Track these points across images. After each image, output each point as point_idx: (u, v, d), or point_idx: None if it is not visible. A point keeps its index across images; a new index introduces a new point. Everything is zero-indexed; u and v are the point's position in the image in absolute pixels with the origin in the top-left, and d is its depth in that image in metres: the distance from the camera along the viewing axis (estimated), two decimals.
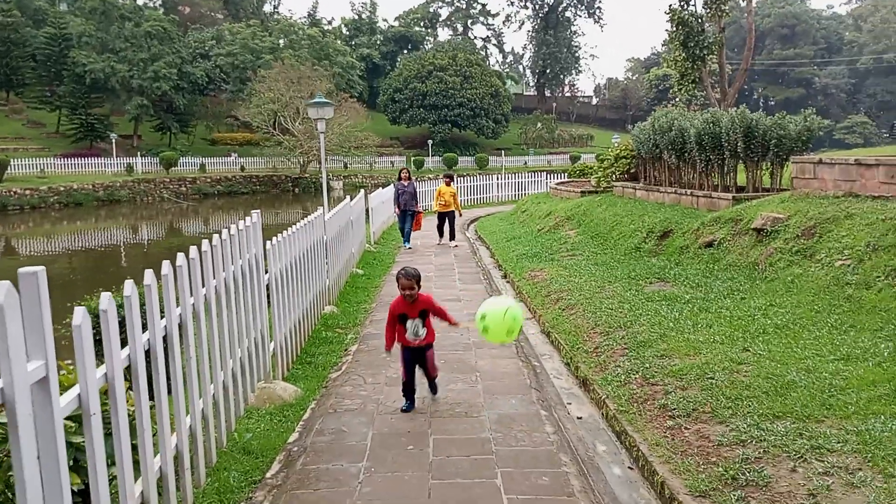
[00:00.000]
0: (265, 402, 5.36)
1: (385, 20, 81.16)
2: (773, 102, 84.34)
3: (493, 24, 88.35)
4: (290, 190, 48.91)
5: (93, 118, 49.71)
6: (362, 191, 16.03)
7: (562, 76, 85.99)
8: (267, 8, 78.48)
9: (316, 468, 4.29)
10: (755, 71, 77.41)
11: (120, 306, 3.41)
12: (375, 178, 46.97)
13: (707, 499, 3.62)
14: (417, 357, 5.33)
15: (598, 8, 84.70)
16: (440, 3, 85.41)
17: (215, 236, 4.44)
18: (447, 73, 60.48)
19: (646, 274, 9.21)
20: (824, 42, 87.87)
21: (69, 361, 3.03)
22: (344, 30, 76.57)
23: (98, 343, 2.86)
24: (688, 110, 17.45)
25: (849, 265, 6.94)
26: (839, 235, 7.55)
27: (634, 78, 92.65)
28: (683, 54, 21.88)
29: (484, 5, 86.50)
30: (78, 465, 2.88)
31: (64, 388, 2.66)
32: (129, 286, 3.07)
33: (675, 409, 4.70)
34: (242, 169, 50.09)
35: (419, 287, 5.22)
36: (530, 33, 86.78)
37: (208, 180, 46.18)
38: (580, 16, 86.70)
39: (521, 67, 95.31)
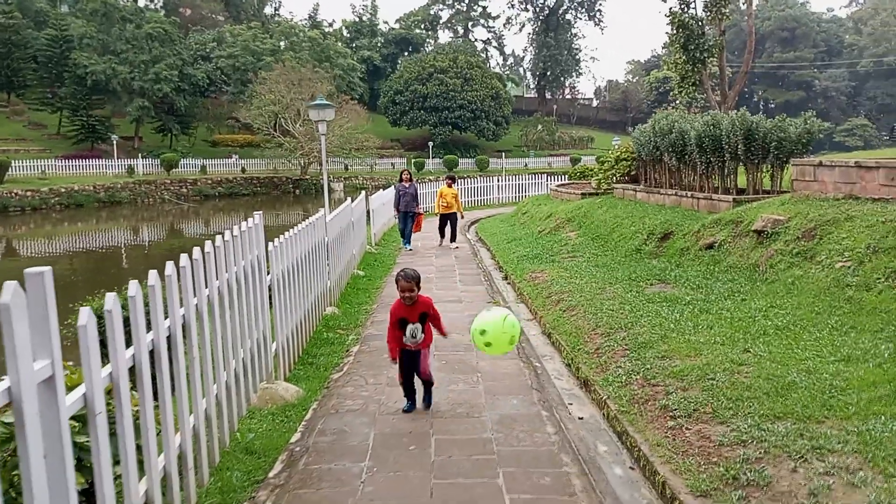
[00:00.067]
0: (267, 402, 5.37)
1: (386, 22, 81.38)
2: (773, 105, 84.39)
3: (493, 27, 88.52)
4: (290, 191, 48.97)
5: (94, 120, 49.79)
6: (363, 192, 16.06)
7: (562, 78, 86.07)
8: (268, 10, 78.59)
9: (318, 468, 4.31)
10: (755, 74, 77.46)
11: (123, 307, 3.43)
12: (376, 180, 47.01)
13: (708, 498, 3.63)
14: (412, 359, 5.23)
15: (599, 10, 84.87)
16: (441, 6, 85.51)
17: (218, 237, 4.46)
18: (448, 75, 60.58)
19: (646, 275, 9.23)
20: (824, 45, 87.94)
21: (70, 362, 3.05)
22: (345, 32, 76.66)
23: (102, 344, 2.88)
24: (688, 113, 17.48)
25: (849, 267, 6.95)
26: (839, 237, 7.57)
27: (635, 80, 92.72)
28: (684, 57, 21.93)
29: (484, 8, 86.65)
30: (81, 465, 2.90)
31: (67, 388, 2.68)
32: (133, 287, 3.09)
33: (676, 409, 4.71)
34: (243, 170, 50.15)
35: (419, 289, 5.16)
36: (531, 36, 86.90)
37: (209, 182, 46.23)
38: (580, 18, 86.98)
39: (521, 70, 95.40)
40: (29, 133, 51.08)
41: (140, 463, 3.11)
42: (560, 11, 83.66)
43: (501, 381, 5.98)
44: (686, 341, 6.05)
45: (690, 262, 9.62)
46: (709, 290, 7.93)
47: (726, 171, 12.25)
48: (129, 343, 3.08)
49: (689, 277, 8.75)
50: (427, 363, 5.30)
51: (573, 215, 15.39)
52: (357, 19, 78.49)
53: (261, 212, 5.72)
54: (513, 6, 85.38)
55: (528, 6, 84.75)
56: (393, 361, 5.25)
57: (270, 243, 5.93)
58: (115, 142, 46.86)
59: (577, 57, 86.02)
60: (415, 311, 5.15)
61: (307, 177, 49.03)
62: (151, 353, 3.32)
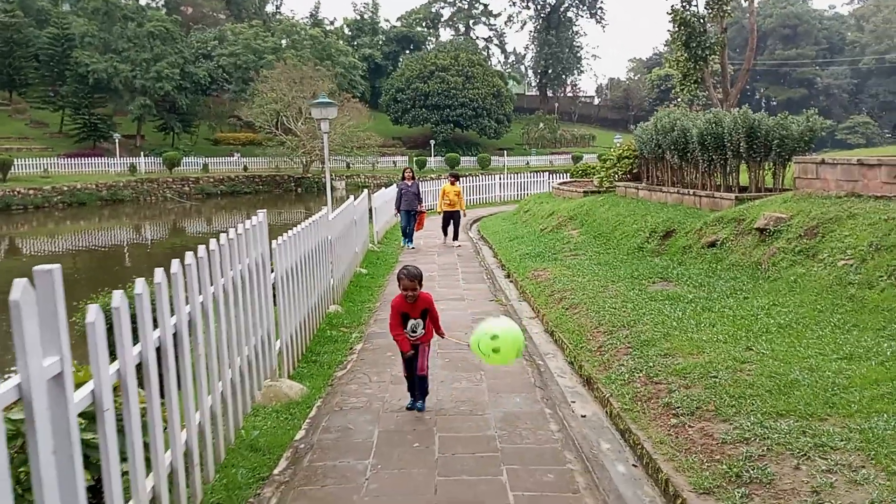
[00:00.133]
0: (272, 399, 5.39)
1: (387, 20, 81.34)
2: (775, 103, 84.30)
3: (495, 25, 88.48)
4: (292, 190, 49.02)
5: (96, 118, 49.86)
6: (365, 191, 16.07)
7: (564, 76, 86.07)
8: (269, 8, 78.64)
9: (323, 465, 4.33)
10: (757, 71, 77.41)
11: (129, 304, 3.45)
12: (378, 178, 47.06)
13: (711, 496, 3.64)
14: (413, 351, 5.24)
15: (600, 8, 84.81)
16: (442, 4, 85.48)
17: (223, 235, 4.48)
18: (449, 73, 60.57)
19: (649, 273, 9.24)
20: (826, 42, 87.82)
21: (75, 360, 3.07)
22: (346, 30, 76.66)
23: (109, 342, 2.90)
24: (690, 111, 17.47)
25: (851, 265, 6.96)
26: (842, 235, 7.58)
27: (636, 78, 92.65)
28: (686, 55, 21.91)
29: (486, 6, 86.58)
30: (87, 462, 2.92)
31: (75, 386, 2.70)
32: (140, 284, 3.11)
33: (678, 407, 4.72)
34: (245, 169, 50.19)
35: (421, 287, 5.15)
36: (532, 33, 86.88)
37: (211, 180, 46.30)
38: (582, 16, 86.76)
39: (523, 67, 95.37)
40: (31, 131, 51.14)
41: (147, 460, 3.13)
42: (561, 9, 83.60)
43: (504, 378, 6.00)
44: (688, 339, 6.06)
45: (693, 260, 9.63)
46: (711, 288, 7.94)
47: (728, 168, 12.25)
48: (135, 340, 3.10)
49: (691, 275, 8.76)
50: (425, 359, 5.28)
51: (575, 213, 15.40)
52: (358, 17, 78.48)
53: (264, 210, 5.74)
54: (514, 4, 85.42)
55: (530, 4, 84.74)
56: (406, 353, 5.18)
57: (274, 241, 5.95)
58: (117, 140, 46.91)
59: (579, 55, 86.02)
60: (416, 308, 5.16)
61: (309, 175, 49.05)
62: (158, 350, 3.34)
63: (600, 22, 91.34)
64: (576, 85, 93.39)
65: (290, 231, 6.51)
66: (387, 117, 63.63)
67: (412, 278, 5.07)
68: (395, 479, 4.11)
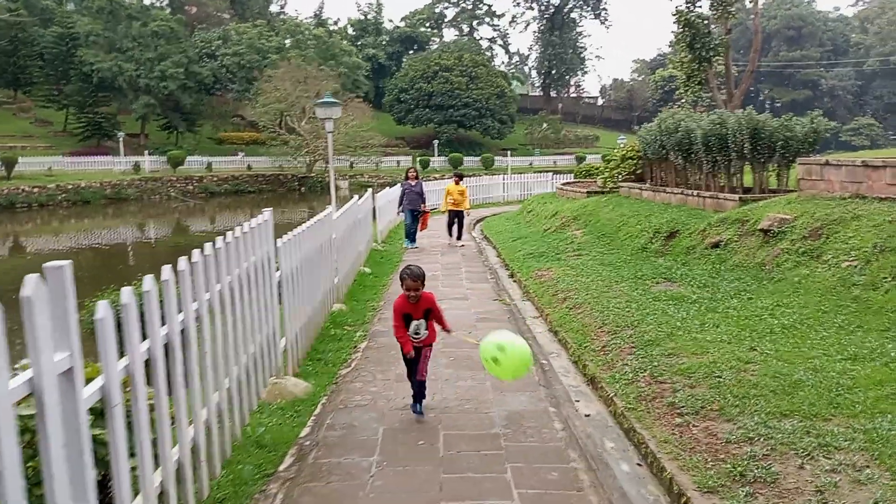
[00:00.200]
0: (277, 397, 5.42)
1: (391, 20, 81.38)
2: (779, 104, 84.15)
3: (498, 25, 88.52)
4: (296, 189, 49.07)
5: (100, 117, 49.96)
6: (369, 190, 16.08)
7: (567, 77, 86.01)
8: (273, 8, 78.62)
9: (328, 462, 4.35)
10: (761, 72, 77.28)
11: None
12: (381, 178, 47.05)
13: (715, 495, 3.65)
14: (415, 355, 5.18)
15: (604, 9, 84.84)
16: (446, 4, 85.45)
17: (229, 234, 4.50)
18: (453, 73, 60.56)
19: (652, 274, 9.25)
20: (831, 44, 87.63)
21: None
22: (350, 30, 76.68)
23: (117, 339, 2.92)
24: (694, 112, 17.47)
25: (856, 266, 6.96)
26: (846, 237, 7.58)
27: (640, 79, 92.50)
28: (690, 56, 21.87)
29: (490, 6, 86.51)
30: (94, 457, 2.94)
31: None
32: (148, 282, 3.13)
33: (683, 406, 4.73)
34: (249, 168, 50.25)
35: (423, 287, 5.09)
36: (536, 34, 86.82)
37: (215, 179, 46.37)
38: (586, 17, 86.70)
39: (526, 68, 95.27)
40: (35, 130, 51.26)
41: (154, 455, 3.15)
42: (565, 10, 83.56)
43: None
44: (692, 339, 6.07)
45: (696, 261, 9.63)
46: (715, 289, 7.95)
47: (732, 169, 12.25)
48: (142, 337, 3.13)
49: (695, 276, 8.77)
50: (426, 364, 5.21)
51: (579, 214, 15.40)
52: (362, 17, 78.52)
53: (270, 208, 5.76)
54: (518, 4, 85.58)
55: (534, 4, 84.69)
56: (408, 354, 5.15)
57: (279, 240, 5.97)
58: (121, 139, 47.02)
59: (583, 55, 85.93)
60: (419, 308, 5.11)
61: (312, 174, 49.09)
62: (165, 346, 3.36)
63: (604, 23, 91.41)
64: (579, 86, 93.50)
65: (295, 230, 6.53)
66: (390, 117, 63.63)
67: (415, 278, 5.02)
68: (400, 477, 4.13)
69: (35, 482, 2.50)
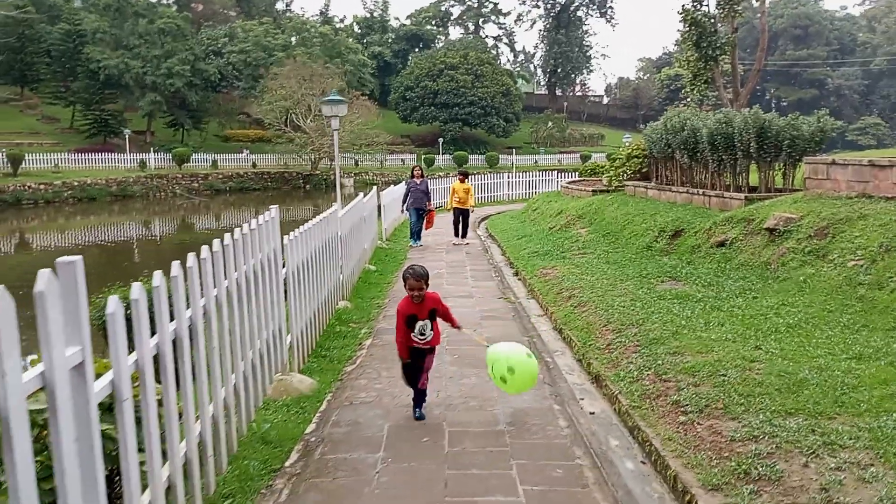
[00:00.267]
0: (282, 393, 5.44)
1: (397, 18, 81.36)
2: (785, 103, 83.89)
3: (504, 23, 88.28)
4: (301, 187, 49.12)
5: (106, 114, 50.05)
6: (374, 188, 16.11)
7: (573, 75, 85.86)
8: (279, 6, 78.75)
9: (334, 458, 4.38)
10: (767, 71, 77.03)
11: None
12: (386, 176, 47.09)
13: (720, 492, 3.67)
14: (417, 357, 5.10)
15: (610, 7, 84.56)
16: (452, 2, 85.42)
17: (236, 230, 4.52)
18: (458, 71, 60.53)
19: (657, 272, 9.25)
20: (837, 43, 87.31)
21: None
22: (356, 28, 76.73)
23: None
24: (700, 110, 17.45)
25: (861, 265, 6.96)
26: (852, 236, 7.58)
27: (646, 78, 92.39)
28: (696, 54, 21.85)
29: (495, 4, 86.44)
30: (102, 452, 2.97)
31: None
32: (158, 277, 3.16)
33: (687, 405, 4.74)
34: (254, 165, 50.31)
35: (427, 286, 5.03)
36: (542, 32, 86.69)
37: (220, 177, 46.46)
38: (592, 15, 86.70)
39: (532, 66, 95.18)
40: (42, 127, 51.43)
41: (162, 451, 3.18)
42: (571, 8, 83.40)
43: None
44: (697, 338, 6.08)
45: (702, 260, 9.63)
46: (720, 288, 7.95)
47: (738, 168, 12.24)
48: (150, 333, 3.15)
49: (700, 275, 8.77)
50: (428, 371, 5.15)
51: (584, 212, 15.40)
52: (368, 15, 78.57)
53: (277, 206, 5.79)
54: (524, 2, 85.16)
55: (540, 3, 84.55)
56: (404, 360, 5.15)
57: (286, 237, 6.00)
58: (127, 136, 47.11)
59: (588, 54, 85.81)
60: (423, 308, 5.04)
61: (317, 172, 49.15)
62: (174, 342, 3.38)
63: (610, 21, 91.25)
64: (585, 84, 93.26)
65: (301, 227, 6.56)
66: (395, 115, 63.66)
67: (418, 277, 4.96)
68: (406, 473, 4.15)
69: (42, 477, 2.53)
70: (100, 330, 5.17)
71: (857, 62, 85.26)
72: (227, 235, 4.29)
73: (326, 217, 7.90)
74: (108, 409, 2.88)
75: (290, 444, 4.58)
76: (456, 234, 15.62)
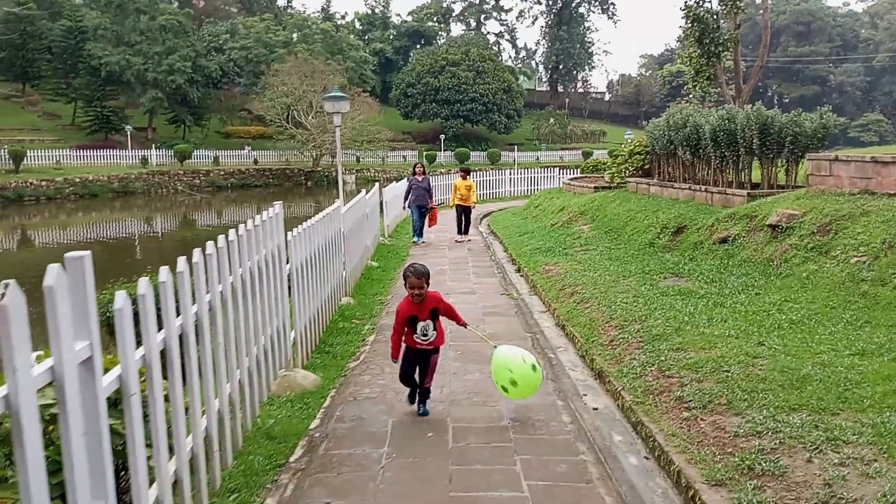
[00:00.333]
0: (286, 389, 5.46)
1: (398, 15, 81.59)
2: (787, 100, 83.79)
3: (506, 20, 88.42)
4: (302, 183, 49.14)
5: (108, 110, 50.11)
6: (377, 185, 16.12)
7: (574, 72, 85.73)
8: (281, 2, 78.70)
9: (338, 453, 4.39)
10: (770, 68, 76.86)
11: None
12: (388, 173, 47.05)
13: (723, 487, 3.68)
14: (421, 358, 5.04)
15: (612, 4, 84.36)
16: None
17: (241, 226, 4.53)
18: (460, 68, 60.47)
19: (660, 269, 9.26)
20: (840, 39, 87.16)
21: None
22: (357, 24, 76.65)
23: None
24: (702, 107, 17.42)
25: (864, 262, 6.96)
26: (855, 232, 7.58)
27: (647, 74, 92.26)
28: (698, 51, 21.77)
29: (497, 0, 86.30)
30: None
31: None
32: (164, 273, 3.17)
33: (690, 400, 4.75)
34: (255, 162, 50.33)
35: (428, 285, 4.96)
36: (543, 29, 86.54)
37: (222, 173, 46.47)
38: (593, 12, 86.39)
39: (533, 63, 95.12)
40: (44, 123, 51.46)
41: (169, 446, 3.19)
42: (573, 4, 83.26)
43: None
44: (700, 334, 6.08)
45: (704, 256, 9.63)
46: (723, 284, 7.96)
47: (741, 165, 12.23)
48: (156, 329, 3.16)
49: (702, 271, 8.77)
50: (433, 370, 5.11)
51: (586, 209, 15.40)
52: (369, 12, 78.48)
53: (280, 202, 5.80)
54: None
55: None
56: (394, 360, 5.11)
57: (289, 233, 6.01)
58: (128, 132, 47.13)
59: (590, 50, 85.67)
60: (425, 308, 4.96)
61: (319, 168, 49.16)
62: (180, 337, 3.40)
63: (612, 18, 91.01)
64: (586, 81, 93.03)
65: (304, 223, 6.57)
66: (397, 112, 63.62)
67: (419, 276, 4.87)
68: (411, 468, 4.16)
69: (49, 471, 2.54)
70: (104, 326, 5.18)
71: (860, 59, 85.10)
72: (231, 231, 4.30)
73: (329, 214, 7.91)
74: (113, 404, 2.89)
75: (294, 439, 4.60)
76: (458, 231, 15.62)
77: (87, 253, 2.41)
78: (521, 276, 11.37)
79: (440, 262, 12.34)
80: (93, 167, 41.61)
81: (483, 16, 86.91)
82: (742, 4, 21.74)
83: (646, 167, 16.76)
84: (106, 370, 2.76)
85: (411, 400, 5.21)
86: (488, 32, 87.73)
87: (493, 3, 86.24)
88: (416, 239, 15.26)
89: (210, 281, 3.87)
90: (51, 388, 2.55)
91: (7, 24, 49.40)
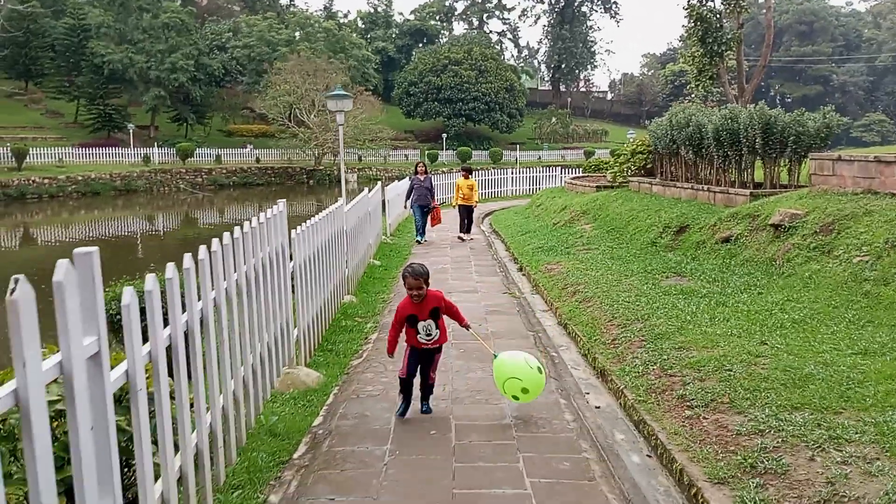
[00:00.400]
0: (289, 386, 5.48)
1: (401, 13, 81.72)
2: (789, 99, 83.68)
3: (508, 19, 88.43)
4: (304, 182, 49.16)
5: (110, 109, 50.15)
6: (379, 183, 16.12)
7: (577, 71, 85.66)
8: (283, 0, 78.68)
9: (342, 450, 4.41)
10: (772, 68, 76.77)
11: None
12: (389, 171, 47.11)
13: (726, 485, 3.69)
14: (426, 358, 5.00)
15: (615, 3, 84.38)
16: None
17: (245, 224, 4.55)
18: (462, 67, 60.47)
19: (662, 268, 9.26)
20: (843, 39, 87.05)
21: None
22: (360, 23, 76.68)
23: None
24: (704, 106, 17.42)
25: (867, 261, 6.97)
26: (857, 232, 7.58)
27: (650, 74, 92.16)
28: (701, 50, 21.78)
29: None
30: None
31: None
32: (170, 269, 3.19)
33: (693, 399, 4.76)
34: (258, 160, 50.36)
35: (428, 285, 4.88)
36: (546, 28, 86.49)
37: (224, 171, 46.50)
38: (596, 11, 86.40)
39: (536, 62, 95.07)
40: (46, 121, 51.51)
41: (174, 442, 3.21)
42: (576, 3, 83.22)
43: None
44: (702, 333, 6.09)
45: (706, 256, 9.64)
46: (725, 284, 7.97)
47: (743, 164, 12.23)
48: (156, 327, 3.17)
49: (705, 271, 8.78)
50: (436, 367, 5.10)
51: (588, 208, 15.41)
52: (372, 10, 78.48)
53: (284, 199, 5.81)
54: None
55: None
56: (390, 356, 5.10)
57: (293, 231, 6.03)
58: (131, 131, 47.19)
59: (593, 49, 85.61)
60: (425, 308, 4.89)
61: (321, 167, 49.19)
62: (185, 334, 3.41)
63: (615, 17, 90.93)
64: (589, 80, 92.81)
65: (308, 221, 6.59)
66: (399, 110, 63.64)
67: (417, 276, 4.80)
68: (414, 465, 4.18)
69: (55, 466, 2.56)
70: (107, 324, 5.18)
71: (863, 59, 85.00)
72: (236, 229, 4.31)
73: (332, 212, 7.93)
74: (117, 401, 2.91)
75: (297, 436, 4.61)
76: (461, 230, 15.63)
77: (95, 249, 2.43)
78: (523, 274, 11.38)
79: (442, 260, 12.35)
80: (95, 165, 41.64)
81: (485, 15, 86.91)
82: (745, 4, 21.75)
83: (648, 167, 16.76)
84: (112, 367, 2.78)
85: (402, 413, 4.97)
86: (491, 31, 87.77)
87: (495, 1, 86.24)
88: (418, 238, 15.26)
89: (215, 278, 3.88)
90: (55, 384, 2.58)
91: (10, 21, 49.43)
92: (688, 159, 13.81)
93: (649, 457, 4.48)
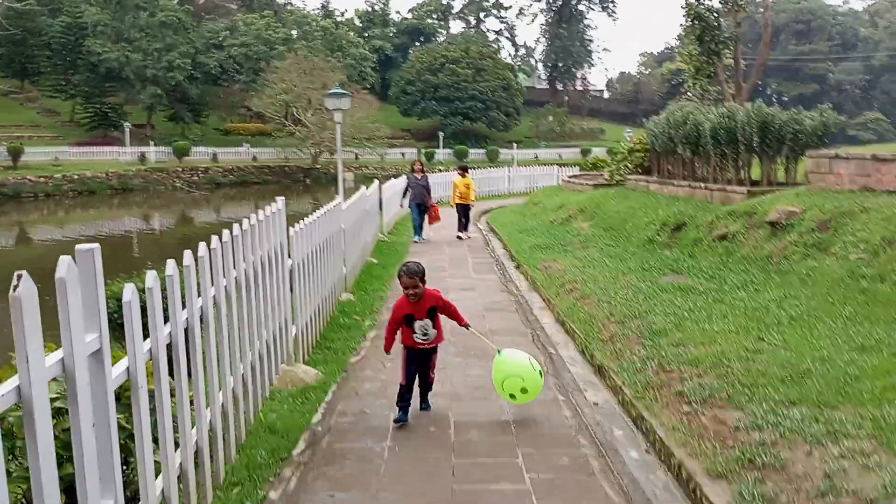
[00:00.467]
0: (288, 384, 5.48)
1: (398, 12, 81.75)
2: (786, 98, 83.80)
3: (505, 17, 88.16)
4: (301, 180, 49.15)
5: (107, 107, 50.09)
6: (376, 182, 16.12)
7: (574, 70, 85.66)
8: None
9: (341, 447, 4.42)
10: (769, 66, 76.65)
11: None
12: (386, 170, 47.01)
13: (724, 480, 3.70)
14: (422, 358, 4.95)
15: (612, 1, 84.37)
16: None
17: (244, 221, 4.55)
18: (459, 65, 60.51)
19: (659, 266, 9.29)
20: (839, 38, 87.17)
21: None
22: (357, 21, 76.57)
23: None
24: (701, 105, 17.44)
25: (864, 258, 6.99)
26: (854, 229, 7.60)
27: (647, 72, 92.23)
28: (698, 49, 21.76)
29: None
30: None
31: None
32: (171, 267, 3.20)
33: (691, 395, 4.78)
34: (254, 159, 50.33)
35: (424, 283, 4.82)
36: (543, 26, 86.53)
37: (220, 170, 46.46)
38: (593, 9, 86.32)
39: (533, 60, 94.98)
40: (42, 120, 51.43)
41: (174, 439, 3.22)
42: (573, 2, 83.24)
43: None
44: (700, 330, 6.11)
45: (704, 253, 9.66)
46: (722, 281, 7.99)
47: (740, 162, 12.26)
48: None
49: (702, 268, 8.80)
50: (434, 366, 5.08)
51: (585, 206, 15.43)
52: (369, 9, 78.41)
53: (283, 197, 5.81)
54: None
55: None
56: (386, 352, 5.10)
57: (291, 229, 6.03)
58: (127, 129, 47.13)
59: (590, 48, 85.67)
60: (422, 307, 4.83)
61: (318, 166, 49.19)
62: (185, 330, 3.42)
63: (612, 15, 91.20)
64: (586, 78, 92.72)
65: (306, 219, 6.60)
66: (396, 109, 63.65)
67: (412, 275, 4.74)
68: (413, 461, 4.19)
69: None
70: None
71: (859, 57, 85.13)
72: (235, 226, 4.32)
73: (330, 210, 7.94)
74: (116, 398, 2.91)
75: (297, 433, 4.62)
76: (459, 228, 15.65)
77: (97, 245, 2.44)
78: (521, 272, 11.39)
79: (440, 258, 12.37)
80: (91, 164, 41.58)
81: (483, 13, 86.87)
82: (743, 2, 21.75)
83: (645, 165, 16.77)
84: (115, 363, 2.78)
85: (398, 421, 4.76)
86: (488, 30, 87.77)
87: (492, 0, 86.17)
88: (415, 237, 15.27)
89: (215, 275, 3.89)
90: (55, 382, 2.58)
91: (7, 19, 49.32)
92: (685, 157, 13.83)
93: (648, 452, 4.49)
